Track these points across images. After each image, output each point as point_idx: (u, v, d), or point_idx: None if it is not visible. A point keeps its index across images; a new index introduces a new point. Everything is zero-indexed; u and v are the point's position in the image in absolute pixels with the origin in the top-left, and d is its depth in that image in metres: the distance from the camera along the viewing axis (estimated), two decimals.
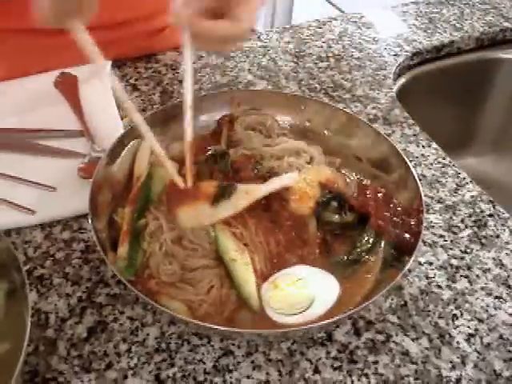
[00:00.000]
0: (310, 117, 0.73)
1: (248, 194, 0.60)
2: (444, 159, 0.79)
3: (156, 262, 0.58)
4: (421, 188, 0.60)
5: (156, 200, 0.62)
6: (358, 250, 0.60)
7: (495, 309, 0.61)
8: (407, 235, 0.59)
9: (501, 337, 0.58)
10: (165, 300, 0.56)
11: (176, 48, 0.98)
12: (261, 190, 0.61)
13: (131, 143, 0.66)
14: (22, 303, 0.50)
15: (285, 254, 0.59)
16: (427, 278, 0.63)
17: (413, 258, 0.54)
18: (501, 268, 0.65)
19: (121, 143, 0.66)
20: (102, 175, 0.62)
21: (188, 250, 0.59)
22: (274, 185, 0.62)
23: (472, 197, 0.73)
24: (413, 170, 0.62)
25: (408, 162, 0.63)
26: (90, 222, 0.57)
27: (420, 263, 0.65)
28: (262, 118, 0.73)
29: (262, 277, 0.58)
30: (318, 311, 0.55)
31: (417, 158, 0.79)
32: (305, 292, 0.56)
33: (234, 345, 0.56)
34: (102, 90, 0.84)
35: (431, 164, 0.78)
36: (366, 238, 0.60)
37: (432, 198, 0.73)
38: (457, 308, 0.61)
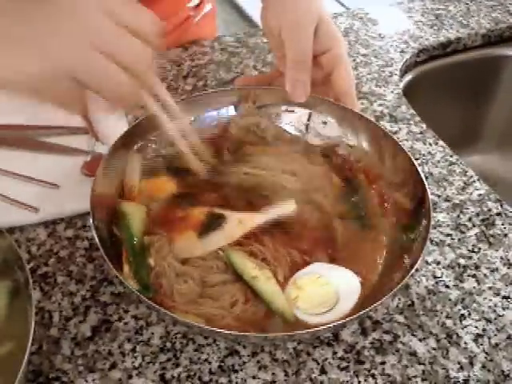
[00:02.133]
0: (325, 119, 0.72)
1: (242, 223, 0.59)
2: (451, 157, 0.78)
3: (169, 282, 0.56)
4: (431, 207, 0.59)
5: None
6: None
7: (503, 309, 0.60)
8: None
9: (509, 337, 0.58)
10: (181, 316, 0.54)
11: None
12: (255, 219, 0.60)
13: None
14: (26, 302, 0.49)
15: (312, 255, 0.59)
16: (434, 277, 0.63)
17: (418, 263, 0.54)
18: (509, 267, 0.64)
19: (124, 141, 0.65)
20: (103, 172, 0.61)
21: (200, 268, 0.58)
22: (269, 215, 0.61)
23: (479, 195, 0.73)
24: (427, 186, 0.60)
25: (424, 181, 0.61)
26: (91, 221, 0.55)
27: (427, 262, 0.64)
28: (256, 120, 0.72)
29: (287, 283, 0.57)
30: (346, 306, 0.54)
31: (424, 155, 0.78)
32: (329, 289, 0.56)
33: (239, 344, 0.56)
34: None
35: (438, 162, 0.77)
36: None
37: (439, 196, 0.72)
38: (464, 308, 0.60)
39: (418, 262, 0.53)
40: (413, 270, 0.53)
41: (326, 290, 0.56)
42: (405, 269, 0.55)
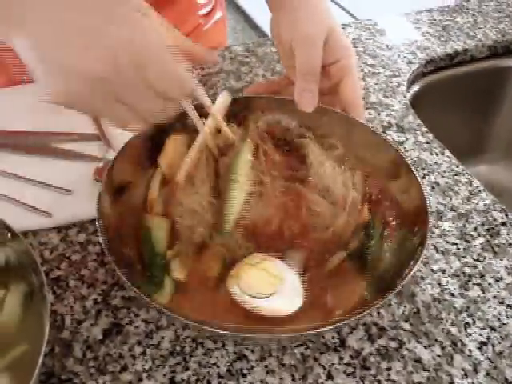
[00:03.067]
0: (333, 128, 0.72)
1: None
2: (457, 167, 0.79)
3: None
4: (429, 215, 0.59)
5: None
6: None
7: (507, 317, 0.61)
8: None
9: None
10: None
11: None
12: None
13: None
14: (41, 305, 0.50)
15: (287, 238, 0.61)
16: (440, 285, 0.64)
17: (415, 269, 0.54)
18: None
19: (129, 147, 0.66)
20: (109, 179, 0.62)
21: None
22: (217, 111, 0.66)
23: (485, 205, 0.74)
24: (427, 197, 0.61)
25: (424, 193, 0.61)
26: (97, 225, 0.56)
27: (433, 271, 0.65)
28: (278, 118, 0.72)
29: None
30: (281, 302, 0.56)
31: (430, 165, 0.79)
32: (273, 280, 0.57)
33: (247, 349, 0.57)
34: None
35: (444, 172, 0.78)
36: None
37: (445, 205, 0.73)
38: (469, 316, 0.61)
39: (415, 268, 0.54)
40: (410, 275, 0.53)
41: (269, 280, 0.57)
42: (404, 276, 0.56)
